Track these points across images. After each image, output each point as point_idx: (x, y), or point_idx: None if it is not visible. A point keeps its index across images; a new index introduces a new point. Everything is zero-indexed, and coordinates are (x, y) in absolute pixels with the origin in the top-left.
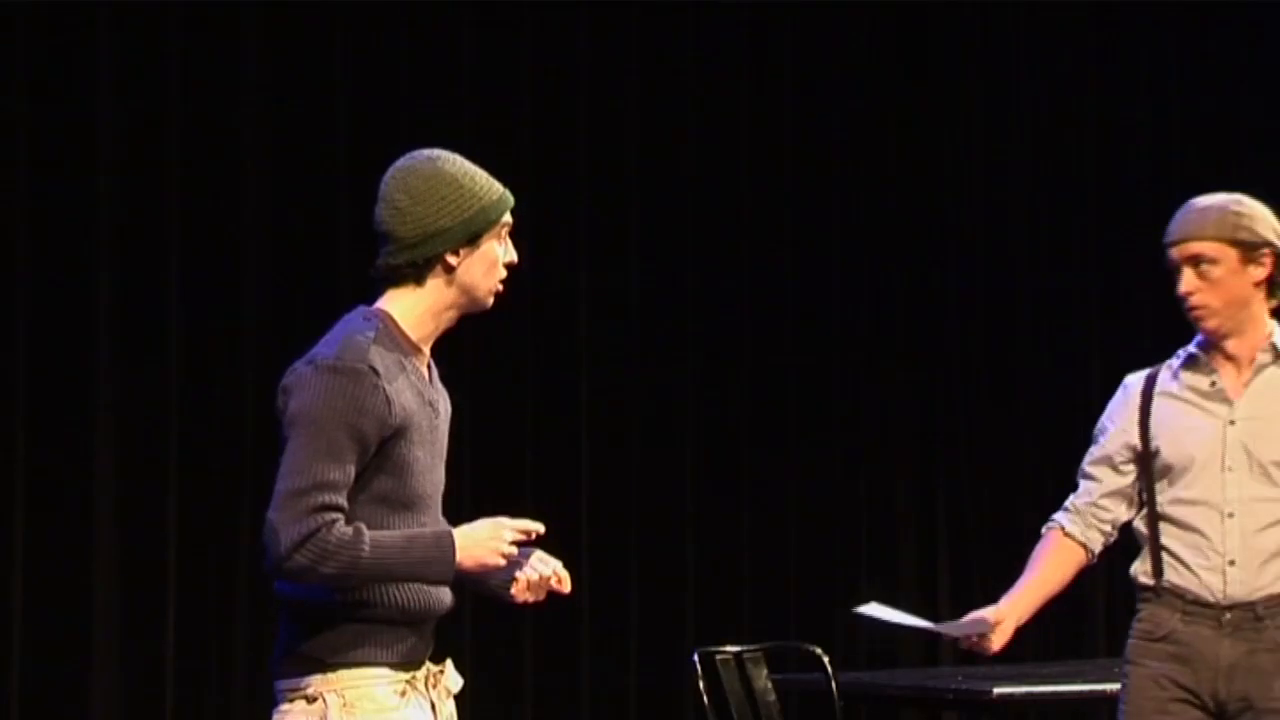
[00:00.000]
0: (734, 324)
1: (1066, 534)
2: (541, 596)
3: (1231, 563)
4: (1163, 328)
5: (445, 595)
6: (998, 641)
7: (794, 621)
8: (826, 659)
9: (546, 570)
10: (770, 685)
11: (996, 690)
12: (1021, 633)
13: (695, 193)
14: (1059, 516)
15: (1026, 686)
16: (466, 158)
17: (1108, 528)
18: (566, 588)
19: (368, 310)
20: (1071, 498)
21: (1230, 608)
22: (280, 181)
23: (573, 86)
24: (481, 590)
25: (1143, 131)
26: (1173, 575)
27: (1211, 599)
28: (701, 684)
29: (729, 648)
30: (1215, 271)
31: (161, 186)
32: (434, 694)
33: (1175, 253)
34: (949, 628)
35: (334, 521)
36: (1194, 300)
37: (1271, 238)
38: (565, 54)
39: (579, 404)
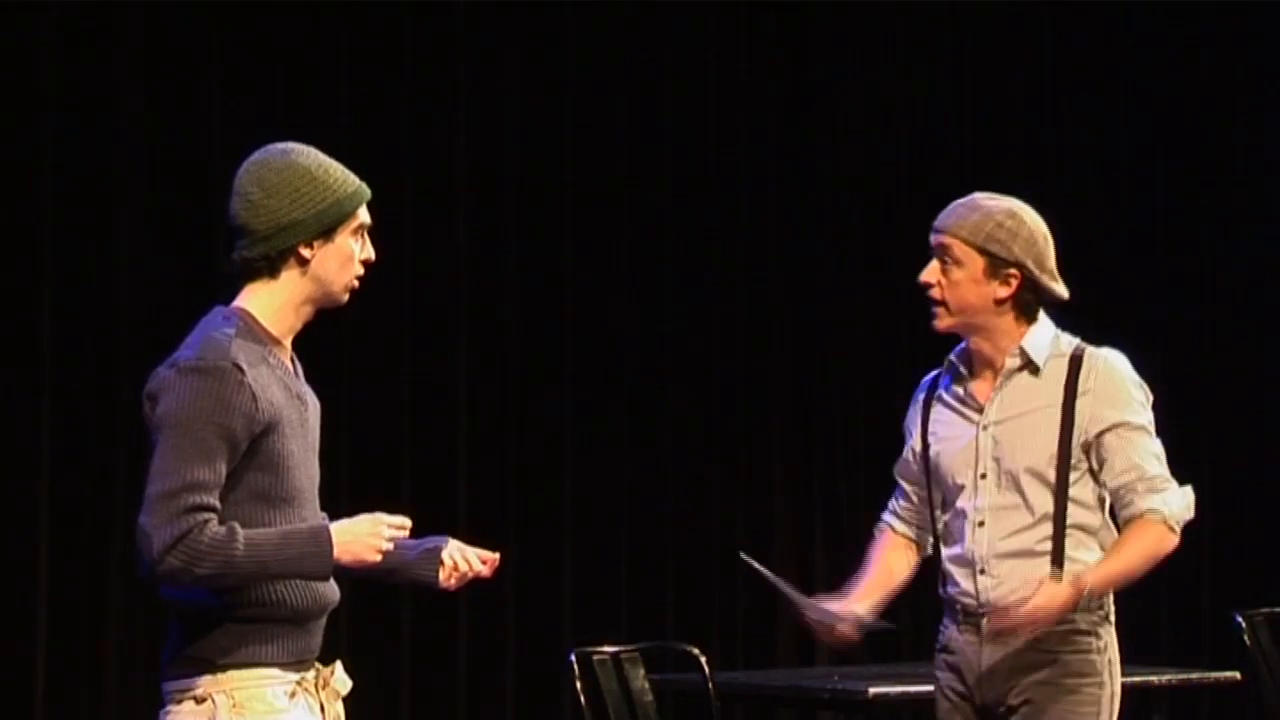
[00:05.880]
0: (610, 321)
1: (897, 533)
2: (464, 583)
3: (981, 571)
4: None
5: (332, 590)
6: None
7: (671, 622)
8: (703, 659)
9: (474, 565)
10: (647, 685)
11: (872, 690)
12: (896, 633)
13: (575, 193)
14: (887, 517)
15: (902, 686)
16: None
17: (928, 526)
18: (490, 570)
19: (226, 309)
20: (897, 500)
21: (987, 614)
22: (157, 176)
23: (451, 90)
24: (403, 580)
25: (1014, 136)
26: (949, 585)
27: (973, 607)
28: (579, 684)
29: (606, 648)
30: (956, 273)
31: (34, 182)
32: (322, 695)
33: (931, 239)
34: (810, 607)
35: (206, 522)
36: (932, 294)
37: (1026, 260)
38: (443, 69)
39: (457, 401)
